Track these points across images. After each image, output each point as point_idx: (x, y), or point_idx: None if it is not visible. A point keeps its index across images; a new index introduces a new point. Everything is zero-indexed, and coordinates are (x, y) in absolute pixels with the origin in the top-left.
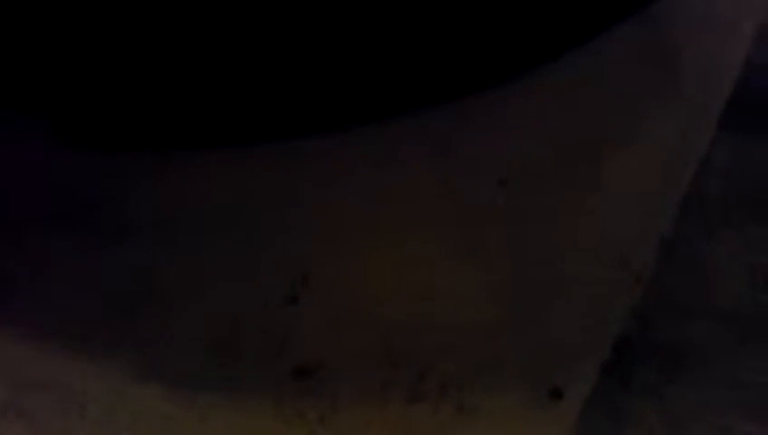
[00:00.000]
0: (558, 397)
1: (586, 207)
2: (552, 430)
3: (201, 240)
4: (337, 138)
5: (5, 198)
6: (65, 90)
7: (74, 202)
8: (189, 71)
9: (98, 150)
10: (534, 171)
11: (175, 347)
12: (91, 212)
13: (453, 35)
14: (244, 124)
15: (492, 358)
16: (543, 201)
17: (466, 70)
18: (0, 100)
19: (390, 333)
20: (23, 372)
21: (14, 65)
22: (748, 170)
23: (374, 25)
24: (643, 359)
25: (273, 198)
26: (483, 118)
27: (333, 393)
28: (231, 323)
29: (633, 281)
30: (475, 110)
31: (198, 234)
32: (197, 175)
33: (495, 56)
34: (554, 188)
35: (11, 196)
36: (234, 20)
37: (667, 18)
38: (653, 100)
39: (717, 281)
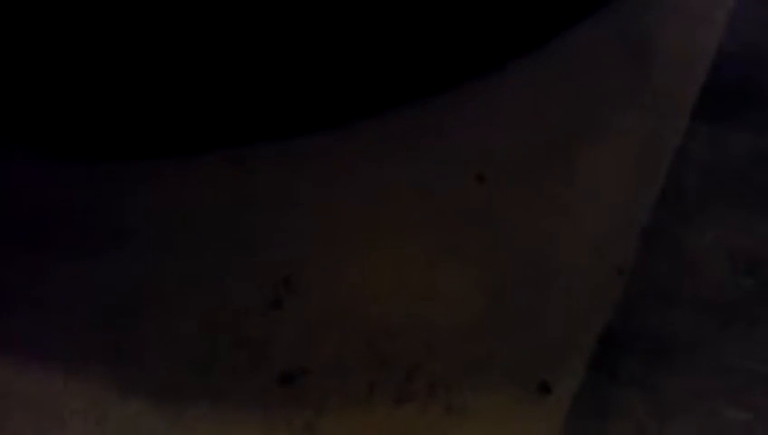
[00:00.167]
0: (546, 392)
1: (562, 201)
2: (541, 426)
3: (199, 243)
4: (290, 142)
5: (1, 205)
6: (57, 99)
7: (70, 207)
8: (185, 72)
9: (90, 161)
10: (510, 167)
11: (163, 357)
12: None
13: (427, 29)
14: (241, 124)
15: (479, 356)
16: (521, 197)
17: (437, 64)
18: None
19: (377, 333)
20: (2, 386)
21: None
22: (724, 158)
23: (346, 22)
24: (629, 350)
25: (272, 199)
26: (456, 113)
27: (320, 398)
28: (210, 331)
29: (615, 273)
30: (442, 107)
31: (197, 237)
32: (195, 177)
33: (480, 46)
34: (532, 182)
35: (6, 202)
36: (230, 20)
37: (639, 7)
38: (627, 90)
39: (699, 268)
